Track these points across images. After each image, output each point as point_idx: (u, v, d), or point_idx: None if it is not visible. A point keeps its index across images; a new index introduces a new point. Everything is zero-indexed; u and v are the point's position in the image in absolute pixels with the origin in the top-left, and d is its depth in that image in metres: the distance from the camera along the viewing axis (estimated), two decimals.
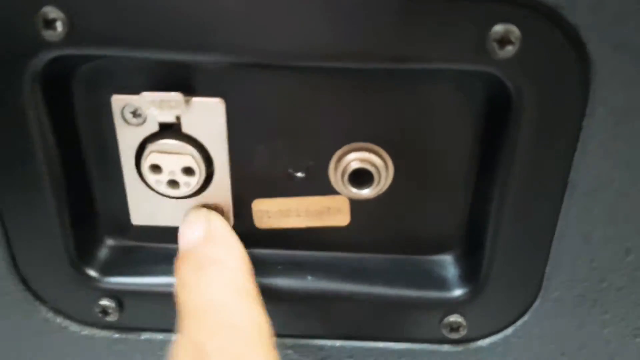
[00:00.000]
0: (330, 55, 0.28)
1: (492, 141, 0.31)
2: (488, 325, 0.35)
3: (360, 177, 0.33)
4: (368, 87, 0.31)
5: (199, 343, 0.27)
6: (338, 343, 0.37)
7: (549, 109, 0.29)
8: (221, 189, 0.34)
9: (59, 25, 0.27)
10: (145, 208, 0.35)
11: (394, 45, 0.27)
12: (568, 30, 0.26)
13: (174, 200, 0.34)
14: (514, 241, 0.32)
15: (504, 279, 0.34)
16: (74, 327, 0.37)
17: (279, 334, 0.35)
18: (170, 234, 0.35)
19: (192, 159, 0.32)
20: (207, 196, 0.34)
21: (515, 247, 0.33)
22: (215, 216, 0.34)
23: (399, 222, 0.35)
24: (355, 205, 0.35)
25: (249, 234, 0.35)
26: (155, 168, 0.32)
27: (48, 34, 0.27)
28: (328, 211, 0.35)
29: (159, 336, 0.37)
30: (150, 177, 0.32)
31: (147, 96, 0.30)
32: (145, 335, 0.37)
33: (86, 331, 0.37)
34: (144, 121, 0.32)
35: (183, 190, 0.33)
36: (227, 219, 0.34)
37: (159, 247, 0.36)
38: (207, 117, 0.31)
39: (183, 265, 0.31)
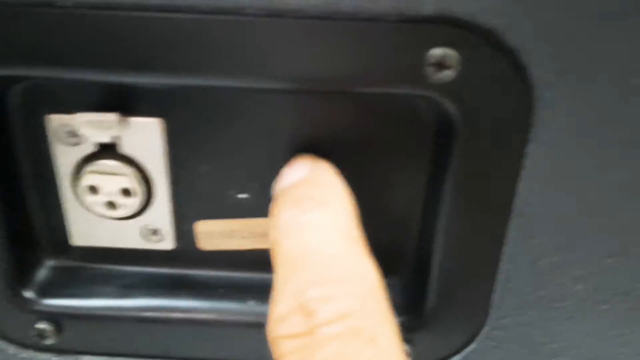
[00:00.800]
0: (270, 78, 0.27)
1: (438, 166, 0.31)
2: (435, 353, 0.35)
3: None
4: (313, 108, 0.30)
5: (303, 296, 0.24)
6: None
7: (492, 134, 0.28)
8: (162, 210, 0.33)
9: None
10: (84, 228, 0.34)
11: (331, 69, 0.27)
12: (509, 54, 0.26)
13: (114, 220, 0.33)
14: (460, 268, 0.32)
15: (451, 306, 0.33)
16: (12, 349, 0.35)
17: (220, 359, 0.34)
18: (111, 255, 0.35)
19: (129, 179, 0.31)
20: (147, 217, 0.33)
21: (462, 273, 0.32)
22: (321, 161, 0.30)
23: None
24: None
25: (192, 256, 0.34)
26: (93, 189, 0.31)
27: None
28: None
29: None
30: (88, 198, 0.32)
31: (82, 117, 0.29)
32: (85, 359, 0.36)
33: (24, 354, 0.35)
34: (81, 141, 0.31)
35: (121, 212, 0.32)
36: (167, 240, 0.33)
37: (100, 267, 0.35)
38: (146, 137, 0.31)
39: (284, 206, 0.28)
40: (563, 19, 0.25)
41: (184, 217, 0.33)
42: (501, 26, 0.25)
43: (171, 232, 0.34)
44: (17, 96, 0.30)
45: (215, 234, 0.34)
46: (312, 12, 0.25)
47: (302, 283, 0.24)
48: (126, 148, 0.31)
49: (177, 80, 0.28)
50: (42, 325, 0.34)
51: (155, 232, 0.34)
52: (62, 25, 0.26)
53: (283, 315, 0.24)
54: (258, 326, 0.34)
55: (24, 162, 0.32)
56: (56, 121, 0.30)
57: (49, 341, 0.35)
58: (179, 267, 0.35)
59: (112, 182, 0.31)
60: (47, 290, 0.35)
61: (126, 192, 0.31)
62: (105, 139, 0.30)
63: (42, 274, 0.35)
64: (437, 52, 0.26)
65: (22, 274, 0.34)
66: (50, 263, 0.35)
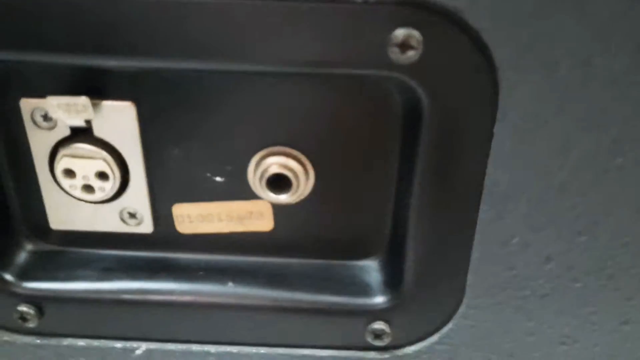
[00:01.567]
0: (240, 58, 0.27)
1: (409, 147, 0.31)
2: (413, 332, 0.35)
3: (280, 182, 0.32)
4: (285, 90, 0.30)
5: None
6: (262, 350, 0.36)
7: (459, 115, 0.28)
8: (139, 193, 0.33)
9: None
10: (63, 212, 0.34)
11: (299, 50, 0.27)
12: (471, 34, 0.26)
13: (92, 204, 0.34)
14: (434, 247, 0.32)
15: (427, 286, 0.33)
16: None
17: (201, 341, 0.35)
18: (90, 239, 0.35)
19: (105, 163, 0.31)
20: (125, 200, 0.33)
21: (436, 253, 0.32)
22: None
23: (323, 227, 0.35)
24: (279, 209, 0.34)
25: (170, 239, 0.35)
26: (69, 172, 0.32)
27: None
28: (250, 216, 0.34)
29: (81, 342, 0.36)
30: (64, 182, 0.32)
31: (53, 100, 0.30)
32: (66, 341, 0.36)
33: (6, 337, 0.36)
34: (55, 125, 0.31)
35: (98, 195, 0.32)
36: (146, 223, 0.34)
37: (79, 251, 0.36)
38: (119, 120, 0.31)
39: None
40: None
41: (162, 200, 0.34)
42: (461, 6, 0.25)
43: (149, 216, 0.34)
44: None
45: (193, 216, 0.34)
46: None
47: None
48: (100, 132, 0.31)
49: (147, 63, 0.28)
50: (23, 308, 0.35)
51: (133, 215, 0.34)
52: (32, 8, 0.26)
53: None
54: (237, 308, 0.34)
55: (1, 147, 0.32)
56: (30, 105, 0.31)
57: (31, 324, 0.35)
58: (158, 251, 0.36)
59: (88, 165, 0.31)
60: (28, 273, 0.35)
61: (102, 176, 0.32)
62: (79, 122, 0.30)
63: (21, 257, 0.35)
64: (400, 32, 0.26)
65: (1, 258, 0.34)
66: (29, 247, 0.36)
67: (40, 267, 0.35)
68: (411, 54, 0.26)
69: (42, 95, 0.30)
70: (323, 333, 0.35)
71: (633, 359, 0.35)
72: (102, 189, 0.32)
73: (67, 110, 0.30)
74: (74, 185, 0.32)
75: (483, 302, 0.33)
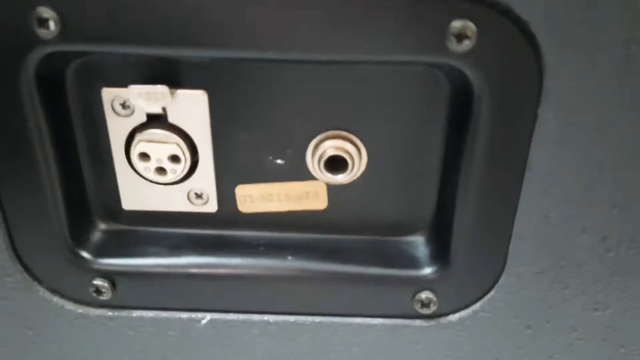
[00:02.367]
0: (304, 49, 0.30)
1: (457, 129, 0.34)
2: (457, 300, 0.38)
3: (336, 164, 0.35)
4: (342, 78, 0.33)
5: None
6: (318, 319, 0.39)
7: (507, 98, 0.31)
8: (206, 175, 0.36)
9: (52, 24, 0.29)
10: (135, 194, 0.37)
11: (362, 39, 0.30)
12: (521, 25, 0.29)
13: (162, 186, 0.36)
14: (479, 222, 0.35)
15: (471, 257, 0.36)
16: (69, 305, 0.39)
17: (261, 311, 0.38)
18: (159, 218, 0.38)
19: (177, 147, 0.34)
20: (193, 182, 0.36)
21: (480, 227, 0.35)
22: None
23: (373, 205, 0.37)
24: (332, 189, 0.37)
25: (233, 218, 0.37)
26: (144, 156, 0.34)
27: (42, 32, 0.29)
28: (307, 196, 0.37)
29: (150, 313, 0.39)
30: (139, 165, 0.35)
31: (135, 89, 0.32)
32: (136, 313, 0.39)
33: (81, 309, 0.39)
34: (133, 112, 0.34)
35: (170, 177, 0.35)
36: (211, 203, 0.37)
37: (149, 230, 0.39)
38: (192, 108, 0.34)
39: None
40: None
41: (226, 182, 0.37)
42: (514, 0, 0.28)
43: (214, 196, 0.37)
44: (75, 71, 0.33)
45: (254, 197, 0.37)
46: None
47: None
48: (174, 118, 0.34)
49: (219, 53, 0.31)
50: (98, 282, 0.38)
51: (199, 195, 0.37)
52: (119, 5, 0.29)
53: None
54: (294, 280, 0.37)
55: (80, 133, 0.35)
56: (110, 94, 0.33)
57: (105, 297, 0.38)
58: (221, 229, 0.39)
59: (162, 149, 0.34)
60: (102, 250, 0.38)
61: (174, 159, 0.35)
62: (156, 109, 0.33)
63: (96, 236, 0.38)
64: (457, 24, 0.29)
65: (79, 236, 0.37)
66: (103, 227, 0.39)
67: (113, 245, 0.38)
68: (466, 44, 0.29)
69: (120, 84, 0.33)
70: (374, 303, 0.38)
71: None
72: (173, 171, 0.35)
73: (147, 98, 0.33)
74: (147, 168, 0.35)
75: (523, 272, 0.36)
